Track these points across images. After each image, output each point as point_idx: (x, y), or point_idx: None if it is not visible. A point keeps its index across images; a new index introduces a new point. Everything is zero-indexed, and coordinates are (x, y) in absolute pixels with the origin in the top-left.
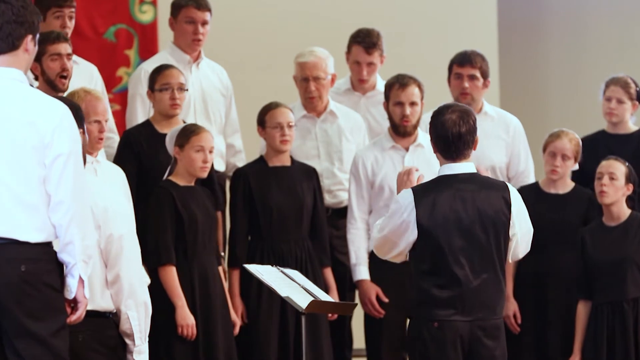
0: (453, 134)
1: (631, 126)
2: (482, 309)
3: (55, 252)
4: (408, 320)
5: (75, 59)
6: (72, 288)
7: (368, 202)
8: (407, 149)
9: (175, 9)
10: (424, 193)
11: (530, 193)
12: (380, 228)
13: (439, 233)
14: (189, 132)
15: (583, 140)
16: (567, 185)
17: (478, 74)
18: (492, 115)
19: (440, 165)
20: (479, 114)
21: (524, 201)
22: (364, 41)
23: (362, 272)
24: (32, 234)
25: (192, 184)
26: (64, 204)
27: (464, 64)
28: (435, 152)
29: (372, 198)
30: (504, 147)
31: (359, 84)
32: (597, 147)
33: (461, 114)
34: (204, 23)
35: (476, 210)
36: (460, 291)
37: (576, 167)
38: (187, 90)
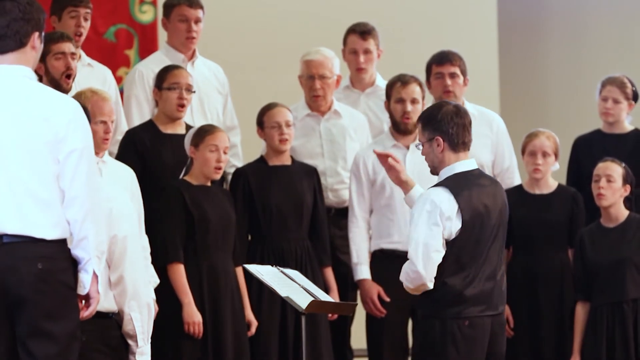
0: (467, 123)
1: (627, 126)
2: (503, 302)
3: (69, 250)
4: (416, 320)
5: (90, 62)
6: (85, 284)
7: (369, 201)
8: (408, 148)
9: (168, 9)
10: (456, 187)
11: (515, 195)
12: (420, 247)
13: (476, 226)
14: (204, 132)
15: (578, 139)
16: (550, 185)
17: (458, 72)
18: (474, 113)
19: (446, 162)
20: None
21: (510, 203)
22: (358, 27)
23: (363, 271)
24: (47, 231)
25: (208, 183)
26: (78, 198)
27: (444, 62)
28: (439, 151)
29: (372, 197)
30: (489, 145)
31: (357, 76)
32: (593, 146)
33: (456, 105)
34: (197, 21)
35: (497, 204)
36: (492, 285)
37: (557, 166)
38: (194, 92)
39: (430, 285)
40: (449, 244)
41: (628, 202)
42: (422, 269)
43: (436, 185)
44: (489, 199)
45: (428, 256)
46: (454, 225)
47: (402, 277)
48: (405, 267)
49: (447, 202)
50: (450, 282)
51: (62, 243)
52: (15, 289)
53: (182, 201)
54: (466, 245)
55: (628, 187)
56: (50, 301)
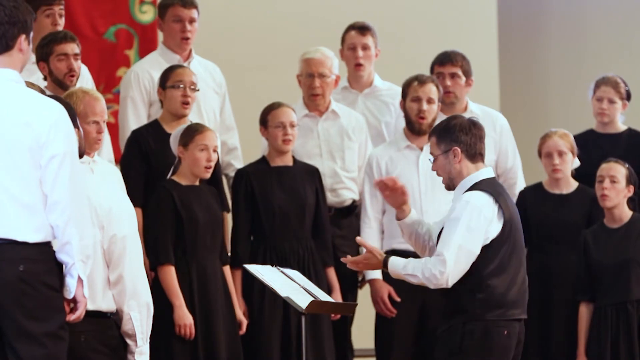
0: (483, 135)
1: (620, 126)
2: (526, 305)
3: (53, 252)
4: (440, 322)
5: None
6: (71, 288)
7: (381, 201)
8: (421, 149)
9: (162, 9)
10: (493, 190)
11: (534, 193)
12: (455, 250)
13: (513, 228)
14: (193, 131)
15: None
16: (570, 185)
17: (460, 72)
18: (478, 113)
19: (464, 173)
20: (464, 112)
21: (529, 202)
22: (357, 23)
23: (374, 271)
24: (30, 234)
25: (197, 183)
26: (59, 204)
27: (445, 62)
28: (457, 161)
29: None
30: (492, 145)
31: (355, 74)
32: (588, 146)
33: (470, 118)
34: (192, 21)
35: (516, 209)
36: (525, 287)
37: (577, 162)
38: (198, 90)
39: (449, 285)
40: (490, 245)
41: (632, 202)
42: (450, 274)
43: (472, 189)
44: (515, 205)
45: (461, 262)
46: (495, 228)
47: (420, 273)
48: (430, 264)
49: (488, 205)
50: (494, 283)
51: (45, 246)
52: None
53: (172, 202)
54: (507, 246)
55: (632, 188)
56: (33, 302)
